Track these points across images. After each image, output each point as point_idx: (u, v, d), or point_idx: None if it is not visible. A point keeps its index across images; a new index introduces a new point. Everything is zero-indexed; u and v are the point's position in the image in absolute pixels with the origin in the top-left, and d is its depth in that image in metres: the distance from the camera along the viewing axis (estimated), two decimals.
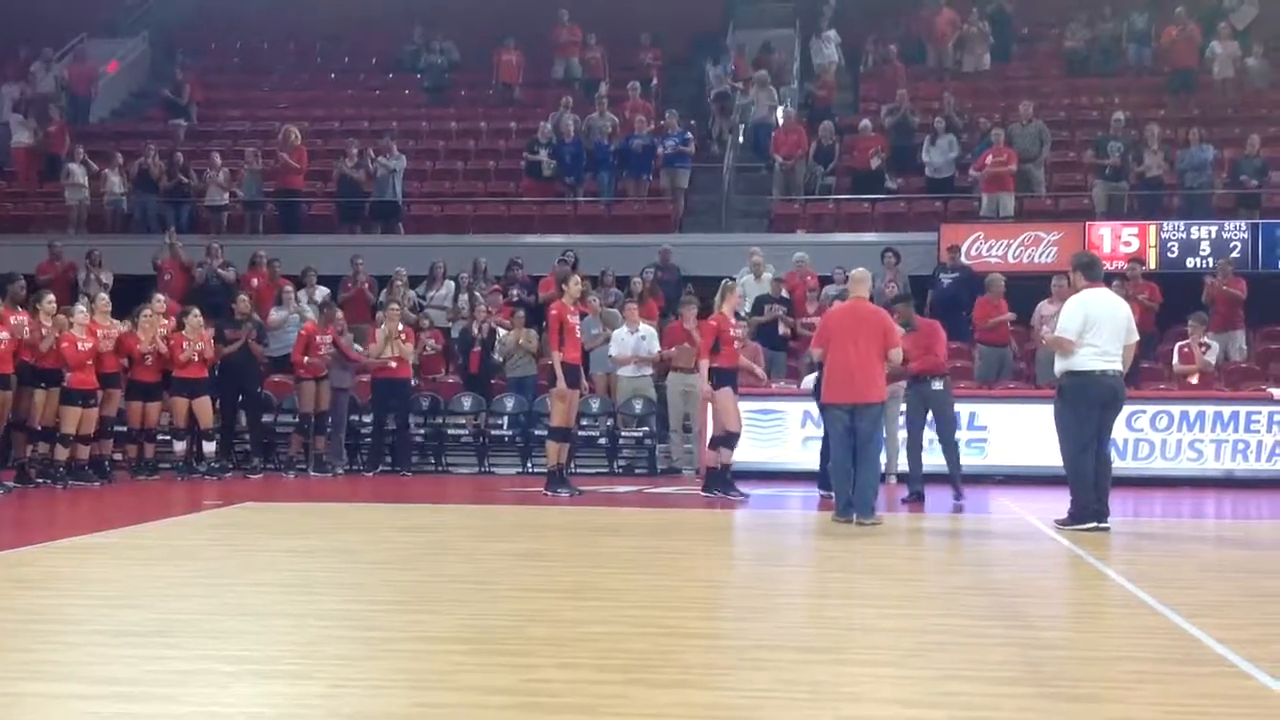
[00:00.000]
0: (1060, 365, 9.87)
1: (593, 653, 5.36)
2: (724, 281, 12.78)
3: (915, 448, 12.22)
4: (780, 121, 21.00)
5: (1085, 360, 9.63)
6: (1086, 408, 9.69)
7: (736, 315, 12.88)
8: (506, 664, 5.14)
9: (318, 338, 15.05)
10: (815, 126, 20.63)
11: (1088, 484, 9.78)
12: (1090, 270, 10.06)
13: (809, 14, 24.60)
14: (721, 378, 12.12)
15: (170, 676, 4.91)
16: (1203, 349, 15.37)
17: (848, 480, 10.27)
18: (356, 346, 15.47)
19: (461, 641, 5.58)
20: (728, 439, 12.29)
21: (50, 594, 6.84)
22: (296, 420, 15.20)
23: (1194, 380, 15.31)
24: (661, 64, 23.68)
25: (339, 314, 15.74)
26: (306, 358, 14.95)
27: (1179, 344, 15.69)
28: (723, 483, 12.27)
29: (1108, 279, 16.67)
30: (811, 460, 13.35)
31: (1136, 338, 10.07)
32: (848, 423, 10.24)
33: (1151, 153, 18.80)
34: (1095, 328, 9.63)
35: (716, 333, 12.04)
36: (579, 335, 12.82)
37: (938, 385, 12.01)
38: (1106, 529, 9.72)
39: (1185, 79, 21.71)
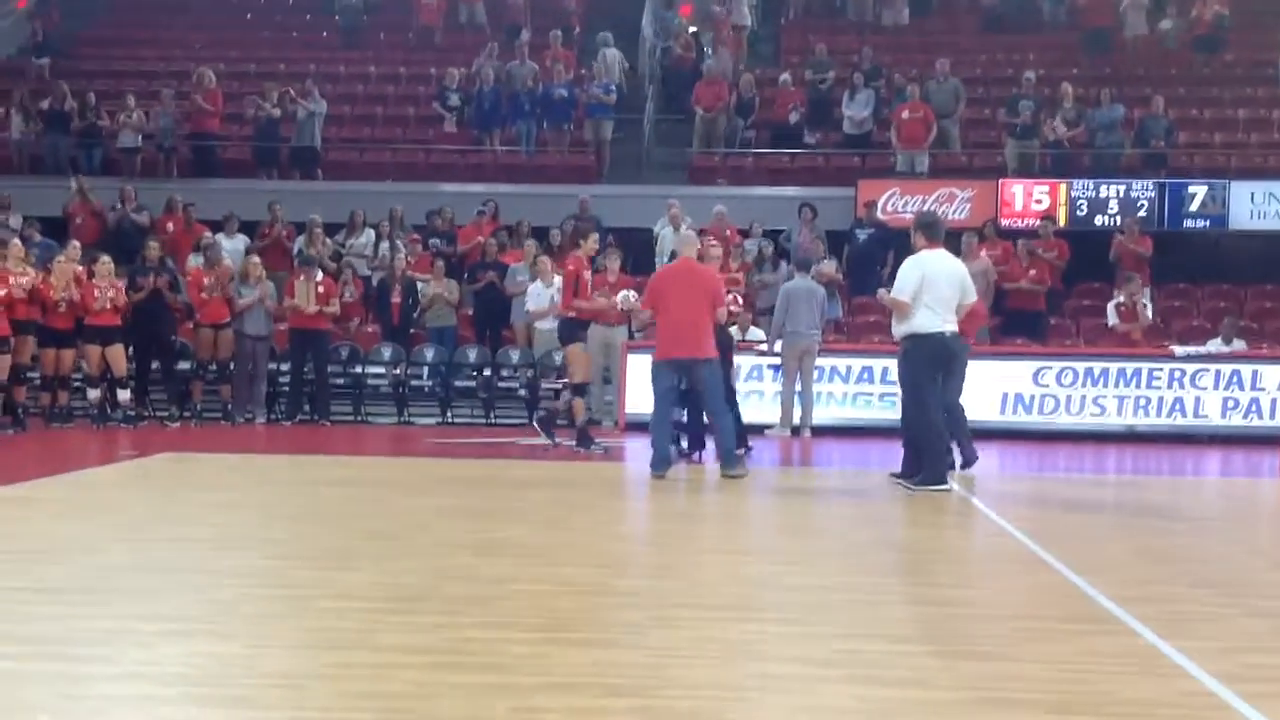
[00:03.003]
0: (901, 328, 9.91)
1: (510, 611, 5.51)
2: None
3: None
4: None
5: (925, 322, 9.71)
6: (931, 368, 9.83)
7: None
8: (425, 623, 5.28)
9: (205, 280, 14.96)
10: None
11: (944, 444, 9.99)
12: (930, 231, 10.06)
13: None
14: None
15: (98, 636, 5.00)
16: (1143, 307, 15.72)
17: (668, 436, 10.61)
18: (247, 290, 15.23)
19: (380, 600, 5.70)
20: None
21: None
22: (191, 367, 15.19)
23: (1136, 337, 15.67)
24: (583, 11, 23.60)
25: (225, 260, 15.60)
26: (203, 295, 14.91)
27: (1115, 302, 16.05)
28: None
29: (1015, 236, 17.24)
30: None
31: (974, 298, 10.15)
32: (676, 381, 10.55)
33: (1064, 112, 19.18)
34: (933, 289, 9.71)
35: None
36: (591, 291, 12.62)
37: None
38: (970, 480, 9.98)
39: (1099, 38, 22.07)
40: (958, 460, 10.83)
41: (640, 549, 7.39)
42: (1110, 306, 16.15)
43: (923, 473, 9.93)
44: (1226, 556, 7.59)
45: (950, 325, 9.81)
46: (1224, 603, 6.15)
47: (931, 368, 9.84)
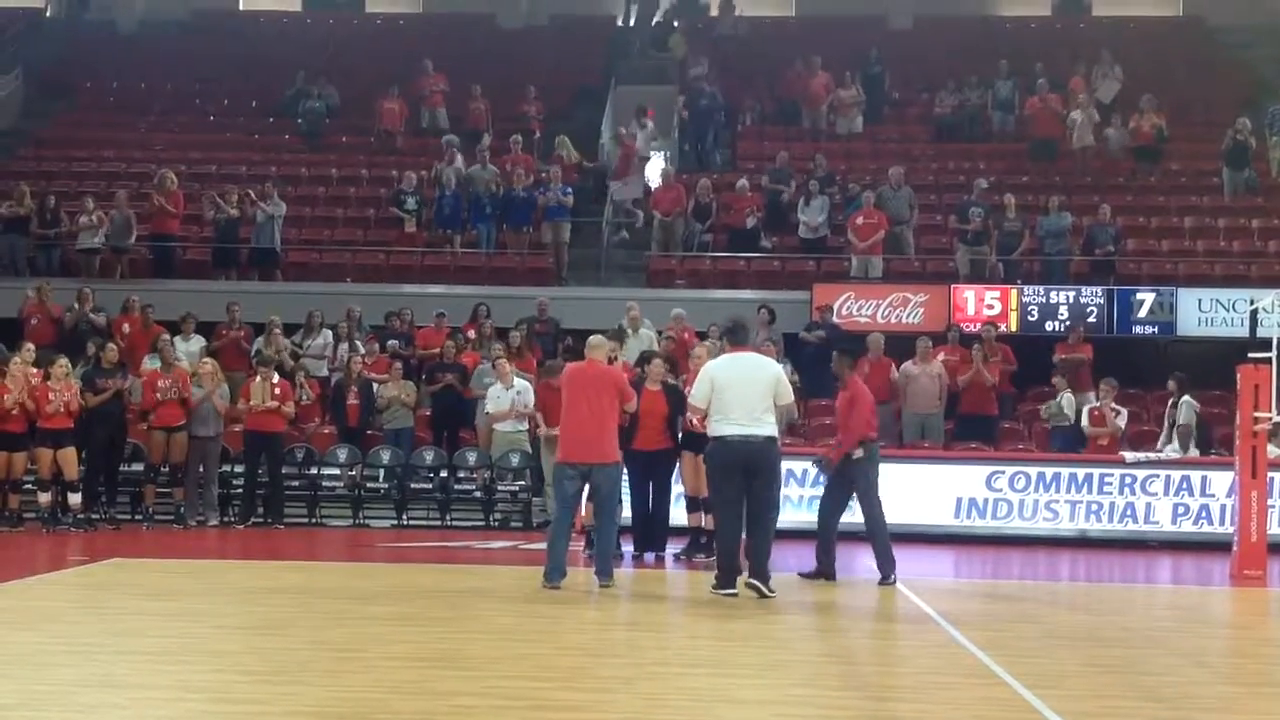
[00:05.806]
0: (710, 430, 10.11)
1: None
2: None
3: (823, 520, 11.44)
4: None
5: (719, 426, 9.89)
6: (726, 472, 9.93)
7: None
8: None
9: (159, 383, 14.92)
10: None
11: (733, 546, 9.98)
12: (733, 335, 10.32)
13: (689, 69, 25.10)
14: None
15: None
16: (1114, 413, 15.90)
17: (565, 544, 10.28)
18: (196, 389, 15.10)
19: (331, 718, 5.67)
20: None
21: None
22: (144, 469, 15.08)
23: (1104, 442, 15.83)
24: (543, 116, 23.95)
25: (182, 362, 15.59)
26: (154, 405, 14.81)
27: (1089, 407, 16.22)
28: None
29: (966, 340, 17.46)
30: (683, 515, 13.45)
31: (789, 399, 10.19)
32: (579, 485, 10.28)
33: (1009, 220, 19.61)
34: (724, 394, 9.85)
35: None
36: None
37: (857, 453, 11.08)
38: (773, 596, 9.80)
39: (1046, 148, 22.58)
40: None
41: (590, 661, 7.37)
42: (1085, 411, 16.25)
43: (716, 576, 10.03)
44: (1174, 669, 7.65)
45: (750, 428, 9.81)
46: (1169, 718, 6.21)
47: (724, 471, 9.95)
